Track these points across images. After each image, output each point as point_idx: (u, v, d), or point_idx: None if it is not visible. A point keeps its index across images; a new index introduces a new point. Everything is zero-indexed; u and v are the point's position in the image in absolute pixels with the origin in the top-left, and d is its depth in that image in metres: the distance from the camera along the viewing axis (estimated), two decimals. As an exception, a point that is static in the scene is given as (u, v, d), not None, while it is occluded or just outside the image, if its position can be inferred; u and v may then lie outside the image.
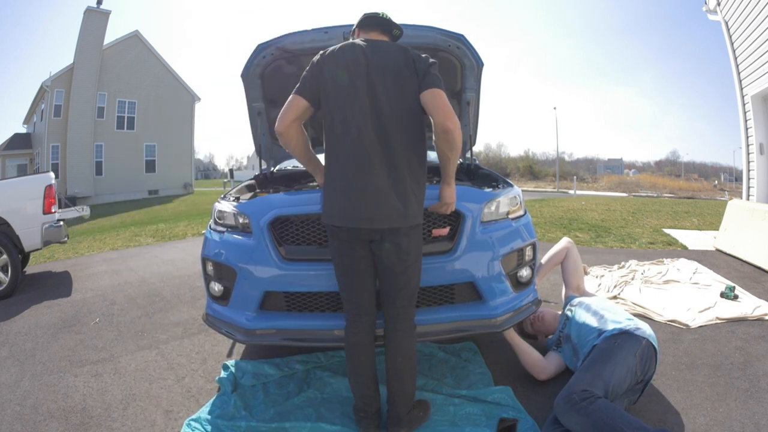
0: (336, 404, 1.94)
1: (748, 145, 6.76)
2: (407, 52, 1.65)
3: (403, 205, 1.58)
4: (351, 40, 1.71)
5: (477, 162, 3.22)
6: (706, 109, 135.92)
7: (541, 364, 2.11)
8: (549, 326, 2.40)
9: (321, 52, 1.68)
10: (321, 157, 3.43)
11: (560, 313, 2.39)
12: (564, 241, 2.59)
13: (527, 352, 2.15)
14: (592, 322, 2.03)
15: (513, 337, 2.19)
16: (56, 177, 4.74)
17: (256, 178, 2.88)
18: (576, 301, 2.27)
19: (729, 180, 42.13)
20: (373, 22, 1.75)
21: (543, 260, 2.52)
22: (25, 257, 5.02)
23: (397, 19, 1.83)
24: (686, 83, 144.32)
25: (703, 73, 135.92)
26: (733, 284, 3.36)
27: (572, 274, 2.50)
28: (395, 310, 1.69)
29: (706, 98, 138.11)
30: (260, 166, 3.27)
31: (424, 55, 1.66)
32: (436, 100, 1.57)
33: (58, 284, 4.42)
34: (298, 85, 1.67)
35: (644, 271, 3.97)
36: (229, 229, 2.12)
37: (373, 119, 1.59)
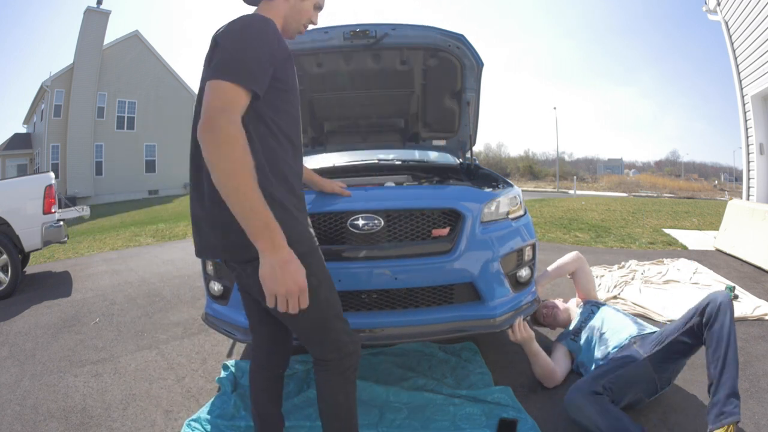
0: (336, 404, 1.94)
1: (748, 145, 6.77)
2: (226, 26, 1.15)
3: (218, 232, 1.18)
4: None
5: (477, 162, 3.22)
6: (706, 109, 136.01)
7: (554, 374, 2.06)
8: (560, 323, 2.37)
9: None
10: (320, 158, 3.43)
11: (579, 305, 2.35)
12: (573, 254, 2.46)
13: (545, 362, 2.06)
14: (626, 319, 2.05)
15: (532, 345, 2.04)
16: (56, 177, 4.75)
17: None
18: (603, 301, 2.25)
19: (729, 180, 42.14)
20: None
21: (549, 269, 2.41)
22: (25, 257, 5.02)
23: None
24: (686, 83, 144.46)
25: (703, 73, 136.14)
26: (733, 284, 3.36)
27: (588, 288, 2.42)
28: (310, 350, 1.35)
29: (706, 98, 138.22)
30: (260, 166, 3.26)
31: (228, 27, 1.13)
32: (205, 98, 1.06)
33: (58, 284, 4.43)
34: None
35: (644, 271, 3.97)
36: (229, 229, 2.11)
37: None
